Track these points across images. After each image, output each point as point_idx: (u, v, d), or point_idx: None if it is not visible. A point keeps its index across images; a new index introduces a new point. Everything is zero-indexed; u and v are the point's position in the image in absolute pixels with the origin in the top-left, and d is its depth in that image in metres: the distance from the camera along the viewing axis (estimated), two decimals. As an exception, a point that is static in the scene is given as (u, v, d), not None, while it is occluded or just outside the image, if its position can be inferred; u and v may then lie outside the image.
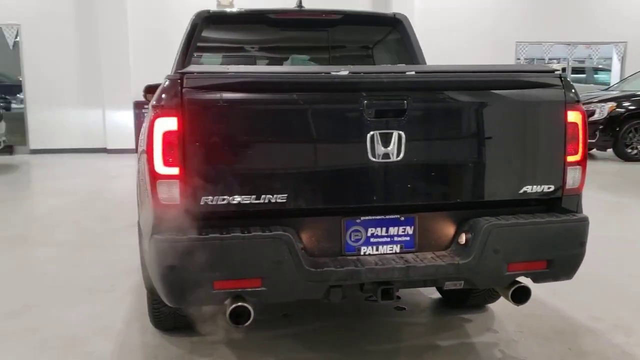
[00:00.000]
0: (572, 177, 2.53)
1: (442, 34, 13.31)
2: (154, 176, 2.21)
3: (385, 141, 2.32)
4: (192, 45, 3.78)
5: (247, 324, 2.29)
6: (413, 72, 2.46)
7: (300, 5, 4.03)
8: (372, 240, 2.45)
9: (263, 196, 2.27)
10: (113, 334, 3.19)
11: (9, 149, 11.79)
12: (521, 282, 2.50)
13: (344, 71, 2.34)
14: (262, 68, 2.64)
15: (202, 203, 2.23)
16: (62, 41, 12.37)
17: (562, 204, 2.55)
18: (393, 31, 4.02)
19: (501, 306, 3.46)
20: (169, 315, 3.02)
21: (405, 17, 4.02)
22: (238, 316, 2.27)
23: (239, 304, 2.25)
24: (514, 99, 2.47)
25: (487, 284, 2.55)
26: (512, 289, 2.49)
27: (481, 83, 2.47)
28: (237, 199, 2.25)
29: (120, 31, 12.30)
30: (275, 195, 2.28)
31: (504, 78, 2.52)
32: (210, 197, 2.23)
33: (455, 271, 2.39)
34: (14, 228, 5.76)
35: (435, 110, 2.42)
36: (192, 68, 2.31)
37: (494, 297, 3.39)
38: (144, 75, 11.45)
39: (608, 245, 4.74)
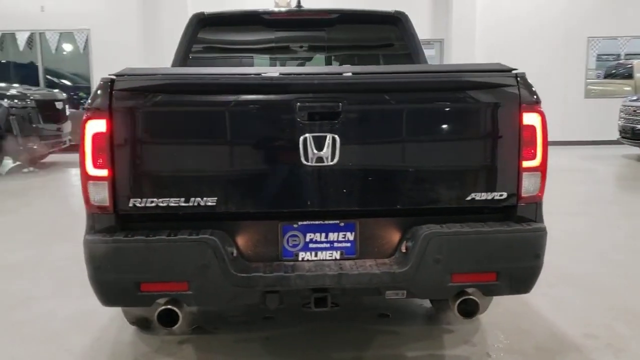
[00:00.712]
0: (529, 183, 2.36)
1: (506, 31, 12.93)
2: (85, 177, 2.25)
3: (319, 145, 2.25)
4: (188, 47, 3.83)
5: (176, 327, 2.29)
6: (350, 74, 2.35)
7: (299, 5, 3.99)
8: (311, 245, 2.38)
9: (192, 199, 2.26)
10: (94, 330, 3.26)
11: (75, 148, 12.41)
12: (469, 295, 2.35)
13: (274, 72, 2.28)
14: (199, 70, 2.60)
15: (130, 205, 2.25)
16: (127, 45, 12.89)
17: (518, 213, 2.37)
18: (392, 29, 3.90)
19: (493, 317, 3.29)
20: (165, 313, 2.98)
21: (404, 15, 3.89)
22: (166, 318, 2.27)
23: (166, 307, 2.25)
24: (459, 101, 2.33)
25: (429, 294, 2.43)
26: (458, 301, 2.34)
27: (423, 84, 2.34)
28: (166, 201, 2.25)
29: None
30: (204, 199, 2.26)
31: (450, 79, 2.37)
32: (139, 199, 2.25)
33: (391, 280, 2.28)
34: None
35: (373, 113, 2.32)
36: (125, 70, 2.32)
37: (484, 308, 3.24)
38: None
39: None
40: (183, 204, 2.26)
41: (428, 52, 16.34)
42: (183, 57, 3.79)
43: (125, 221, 2.28)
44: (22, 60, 14.38)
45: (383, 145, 2.32)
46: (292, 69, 2.65)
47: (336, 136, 2.25)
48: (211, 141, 2.28)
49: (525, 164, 2.34)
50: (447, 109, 2.34)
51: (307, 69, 3.10)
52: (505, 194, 2.35)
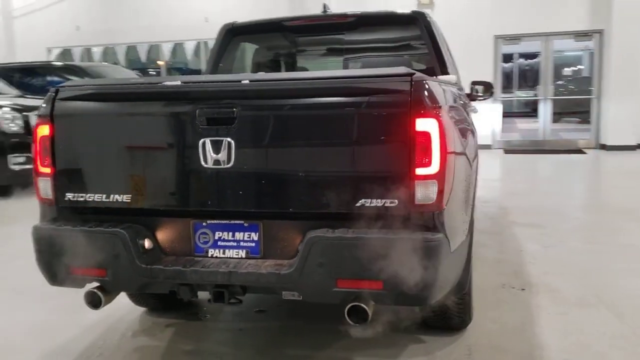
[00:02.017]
0: (423, 192, 2.25)
1: None
2: (36, 174, 2.65)
3: (216, 148, 2.40)
4: (218, 56, 4.14)
5: (100, 308, 2.60)
6: (247, 81, 2.45)
7: (324, 10, 4.09)
8: (219, 243, 2.53)
9: (112, 196, 2.55)
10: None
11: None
12: (359, 302, 2.31)
13: (176, 81, 2.48)
14: (122, 80, 2.88)
15: (66, 199, 2.61)
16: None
17: (412, 221, 2.28)
18: (412, 29, 3.83)
19: (477, 332, 3.14)
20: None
21: (423, 14, 3.80)
22: (92, 300, 2.58)
23: (91, 289, 2.57)
24: (350, 106, 2.31)
25: (317, 298, 2.41)
26: (347, 307, 2.33)
27: (313, 90, 2.36)
28: (92, 197, 2.57)
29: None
30: (121, 195, 2.54)
31: (340, 85, 2.35)
32: (72, 195, 2.60)
33: (277, 281, 2.35)
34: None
35: (266, 118, 2.39)
36: (71, 82, 2.68)
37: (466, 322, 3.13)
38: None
39: None
40: (104, 200, 2.55)
41: (586, 45, 15.09)
42: (213, 65, 4.10)
43: (67, 213, 2.64)
44: (193, 66, 16.04)
45: (276, 149, 2.39)
46: (193, 77, 2.79)
47: (231, 140, 2.38)
48: (126, 144, 2.54)
49: (419, 171, 2.24)
50: (338, 115, 2.33)
51: (208, 77, 3.21)
52: (396, 202, 2.28)
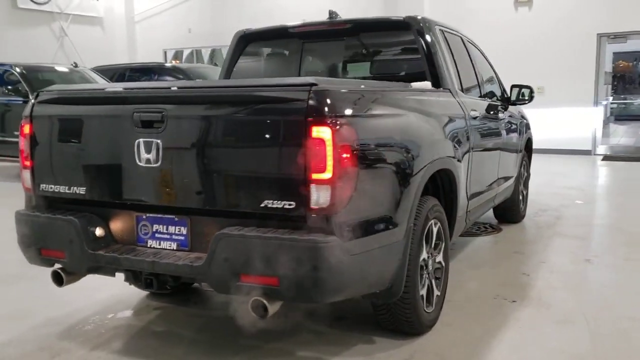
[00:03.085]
0: (318, 196, 2.36)
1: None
2: (22, 166, 3.07)
3: (148, 148, 2.66)
4: (231, 62, 4.41)
5: (63, 286, 2.96)
6: (175, 88, 2.68)
7: (331, 17, 4.22)
8: (157, 235, 2.80)
9: (72, 188, 2.90)
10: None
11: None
12: (257, 296, 2.46)
13: (119, 87, 2.76)
14: (79, 86, 3.18)
15: (41, 189, 3.00)
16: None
17: (308, 223, 2.40)
18: (405, 34, 3.86)
19: (432, 338, 3.18)
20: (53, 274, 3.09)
21: (416, 20, 3.81)
22: (56, 278, 2.95)
23: (55, 269, 2.94)
24: (254, 113, 2.47)
25: (224, 290, 2.56)
26: (250, 301, 2.48)
27: (226, 98, 2.54)
28: (59, 188, 2.94)
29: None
30: (78, 188, 2.88)
31: (244, 93, 2.51)
32: (45, 185, 2.99)
33: (189, 272, 2.57)
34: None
35: (186, 122, 2.61)
36: (51, 87, 3.06)
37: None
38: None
39: None
40: (67, 191, 2.91)
41: None
42: (227, 70, 4.38)
43: (42, 201, 3.03)
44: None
45: (195, 151, 2.60)
46: (134, 84, 3.04)
47: (159, 141, 2.63)
48: (80, 142, 2.88)
49: (315, 176, 2.35)
50: (244, 121, 2.50)
51: (145, 84, 3.41)
52: (294, 204, 2.40)
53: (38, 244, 2.96)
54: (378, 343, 3.16)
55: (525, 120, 5.92)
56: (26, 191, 3.08)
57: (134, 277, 2.85)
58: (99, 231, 2.86)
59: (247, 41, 4.40)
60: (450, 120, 3.56)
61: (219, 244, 2.48)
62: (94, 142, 2.85)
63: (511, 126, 5.27)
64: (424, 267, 3.18)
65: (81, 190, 2.88)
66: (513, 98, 5.36)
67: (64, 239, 2.86)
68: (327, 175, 2.34)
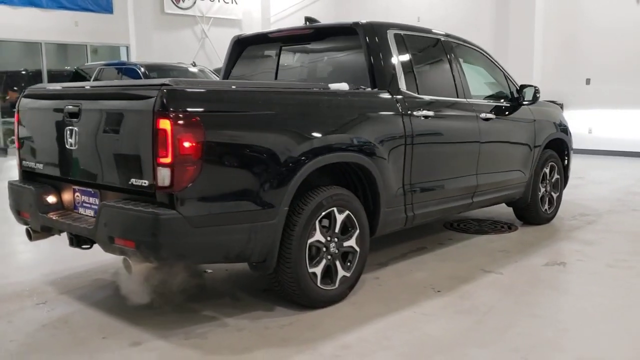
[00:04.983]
0: (163, 177, 2.91)
1: None
2: (16, 147, 3.98)
3: (71, 135, 3.40)
4: (229, 64, 5.03)
5: (32, 241, 3.81)
6: (88, 87, 3.37)
7: (306, 22, 4.67)
8: (84, 204, 3.53)
9: (36, 164, 3.74)
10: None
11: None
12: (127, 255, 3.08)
13: (58, 86, 3.52)
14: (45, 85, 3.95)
15: (23, 165, 3.90)
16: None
17: (158, 199, 2.95)
18: (354, 39, 4.19)
19: (324, 312, 3.54)
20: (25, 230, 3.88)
21: (360, 26, 4.12)
22: (27, 234, 3.81)
23: (26, 227, 3.81)
24: (123, 107, 3.09)
25: (109, 250, 3.16)
26: (122, 259, 3.11)
27: (109, 95, 3.23)
28: (30, 164, 3.81)
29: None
30: (40, 165, 3.72)
31: (121, 91, 3.14)
32: (25, 162, 3.89)
33: (87, 234, 3.27)
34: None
35: (89, 114, 3.31)
36: (34, 86, 3.93)
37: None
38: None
39: None
40: (34, 167, 3.77)
41: None
42: (225, 72, 5.01)
43: (26, 175, 3.91)
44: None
45: (92, 137, 3.30)
46: (71, 84, 3.76)
47: (76, 129, 3.35)
48: (39, 128, 3.71)
49: (160, 160, 2.90)
50: (118, 113, 3.14)
51: (77, 83, 4.02)
52: (147, 182, 2.98)
53: (17, 207, 3.85)
54: (275, 311, 3.60)
55: (549, 120, 5.80)
56: (18, 166, 3.99)
57: (70, 239, 3.60)
58: (51, 199, 3.65)
59: (242, 45, 4.98)
60: (369, 119, 3.83)
61: (101, 212, 3.13)
62: (47, 129, 3.65)
63: (512, 125, 5.27)
64: (322, 249, 3.55)
65: (40, 167, 3.71)
66: (529, 98, 5.37)
67: (27, 203, 3.70)
68: (168, 160, 2.88)
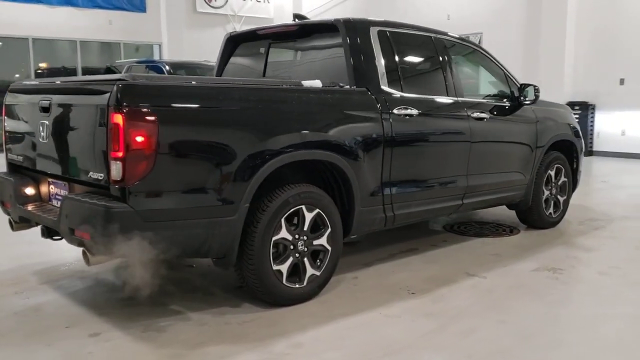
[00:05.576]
0: (115, 171, 2.95)
1: None
2: (4, 139, 4.11)
3: (43, 128, 3.49)
4: (221, 60, 5.07)
5: (14, 231, 3.92)
6: (58, 82, 3.44)
7: (295, 19, 4.66)
8: (56, 196, 3.62)
9: (17, 157, 3.86)
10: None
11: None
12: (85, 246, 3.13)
13: (35, 81, 3.61)
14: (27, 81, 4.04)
15: (8, 158, 4.02)
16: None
17: (111, 192, 3.00)
18: (335, 36, 4.16)
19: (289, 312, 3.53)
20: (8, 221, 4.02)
21: (342, 23, 4.07)
22: (9, 224, 3.93)
23: (9, 217, 3.92)
24: (85, 102, 3.15)
25: (69, 241, 3.21)
26: (81, 250, 3.17)
27: (72, 90, 3.30)
28: (12, 157, 3.92)
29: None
30: (20, 157, 3.83)
31: (83, 86, 3.20)
32: (9, 155, 4.01)
33: (52, 225, 3.35)
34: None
35: (57, 108, 3.38)
36: (18, 82, 4.05)
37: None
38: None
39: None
40: (15, 159, 3.88)
41: None
42: (218, 68, 5.04)
43: (11, 167, 4.03)
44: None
45: (58, 131, 3.37)
46: (49, 79, 3.83)
47: (47, 123, 3.43)
48: (20, 121, 3.81)
49: (113, 154, 2.94)
50: (79, 108, 3.21)
51: (49, 79, 4.06)
52: (102, 176, 3.02)
53: (1, 197, 3.97)
54: (242, 307, 3.62)
55: (555, 121, 5.63)
56: (4, 159, 4.12)
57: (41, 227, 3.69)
58: (29, 190, 3.75)
59: (235, 43, 5.01)
60: (343, 117, 3.79)
61: (63, 204, 3.20)
62: (26, 123, 3.75)
63: (509, 125, 5.14)
64: (289, 247, 3.54)
65: (20, 159, 3.82)
66: (531, 97, 5.23)
67: (7, 194, 3.81)
68: (120, 154, 2.91)
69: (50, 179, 3.64)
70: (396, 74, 4.25)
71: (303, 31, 4.47)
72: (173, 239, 3.13)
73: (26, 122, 3.76)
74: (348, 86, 3.99)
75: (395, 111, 4.08)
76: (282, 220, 3.49)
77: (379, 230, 4.30)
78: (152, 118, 2.97)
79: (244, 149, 3.26)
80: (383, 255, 4.77)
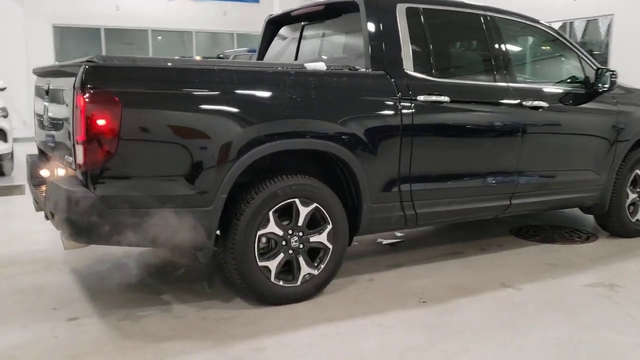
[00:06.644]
0: (79, 154, 2.87)
1: None
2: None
3: (45, 111, 3.54)
4: (263, 43, 4.91)
5: (38, 212, 4.06)
6: (57, 63, 3.44)
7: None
8: (60, 177, 3.66)
9: (37, 139, 3.97)
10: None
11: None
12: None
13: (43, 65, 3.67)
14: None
15: (35, 140, 4.15)
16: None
17: (79, 176, 2.93)
18: (355, 16, 3.80)
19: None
20: None
21: (362, 1, 3.72)
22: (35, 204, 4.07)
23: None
24: (64, 85, 3.10)
25: (55, 225, 3.20)
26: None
27: (57, 73, 3.28)
28: (36, 138, 4.05)
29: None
30: (38, 140, 3.93)
31: (64, 69, 3.15)
32: (34, 137, 4.13)
33: (43, 208, 3.37)
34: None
35: (51, 92, 3.38)
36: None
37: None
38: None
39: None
40: (37, 141, 3.99)
41: None
42: (259, 53, 4.89)
43: (39, 150, 4.17)
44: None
45: (54, 114, 3.36)
46: (55, 64, 3.80)
47: (47, 104, 3.48)
48: (36, 105, 3.89)
49: (77, 138, 2.87)
50: (62, 89, 3.15)
51: (55, 63, 3.94)
52: (71, 159, 2.97)
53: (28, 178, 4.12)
54: (230, 303, 3.44)
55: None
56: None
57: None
58: (44, 172, 3.84)
59: (275, 25, 4.82)
60: (351, 103, 3.44)
61: (47, 188, 3.20)
62: (39, 105, 3.83)
63: (578, 115, 4.45)
64: (280, 242, 3.30)
65: (38, 141, 3.92)
66: (607, 84, 4.52)
67: (27, 176, 3.94)
68: (82, 137, 2.83)
69: (57, 162, 3.69)
70: (427, 57, 3.81)
71: (330, 11, 4.15)
72: (140, 227, 3.00)
73: (40, 105, 3.84)
74: (364, 69, 3.63)
75: (420, 98, 3.65)
76: (270, 213, 3.24)
77: (409, 229, 3.89)
78: (116, 101, 2.85)
79: (218, 137, 3.04)
80: (418, 257, 4.36)
